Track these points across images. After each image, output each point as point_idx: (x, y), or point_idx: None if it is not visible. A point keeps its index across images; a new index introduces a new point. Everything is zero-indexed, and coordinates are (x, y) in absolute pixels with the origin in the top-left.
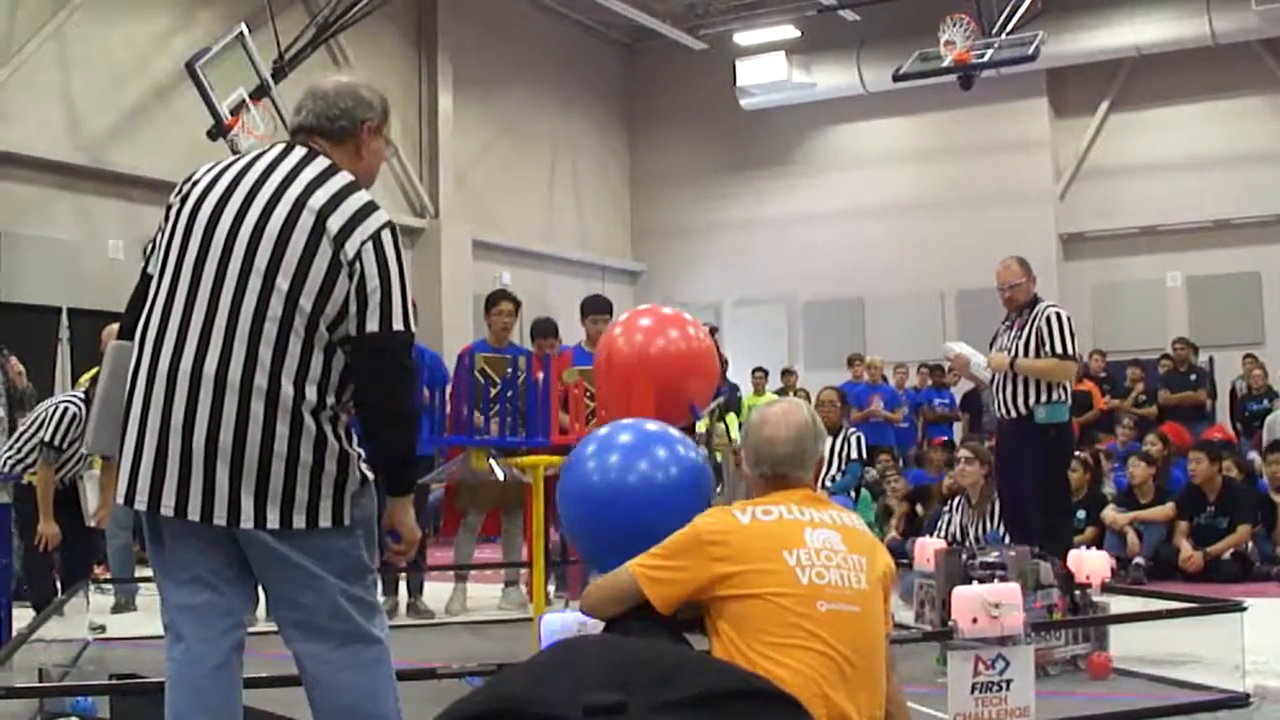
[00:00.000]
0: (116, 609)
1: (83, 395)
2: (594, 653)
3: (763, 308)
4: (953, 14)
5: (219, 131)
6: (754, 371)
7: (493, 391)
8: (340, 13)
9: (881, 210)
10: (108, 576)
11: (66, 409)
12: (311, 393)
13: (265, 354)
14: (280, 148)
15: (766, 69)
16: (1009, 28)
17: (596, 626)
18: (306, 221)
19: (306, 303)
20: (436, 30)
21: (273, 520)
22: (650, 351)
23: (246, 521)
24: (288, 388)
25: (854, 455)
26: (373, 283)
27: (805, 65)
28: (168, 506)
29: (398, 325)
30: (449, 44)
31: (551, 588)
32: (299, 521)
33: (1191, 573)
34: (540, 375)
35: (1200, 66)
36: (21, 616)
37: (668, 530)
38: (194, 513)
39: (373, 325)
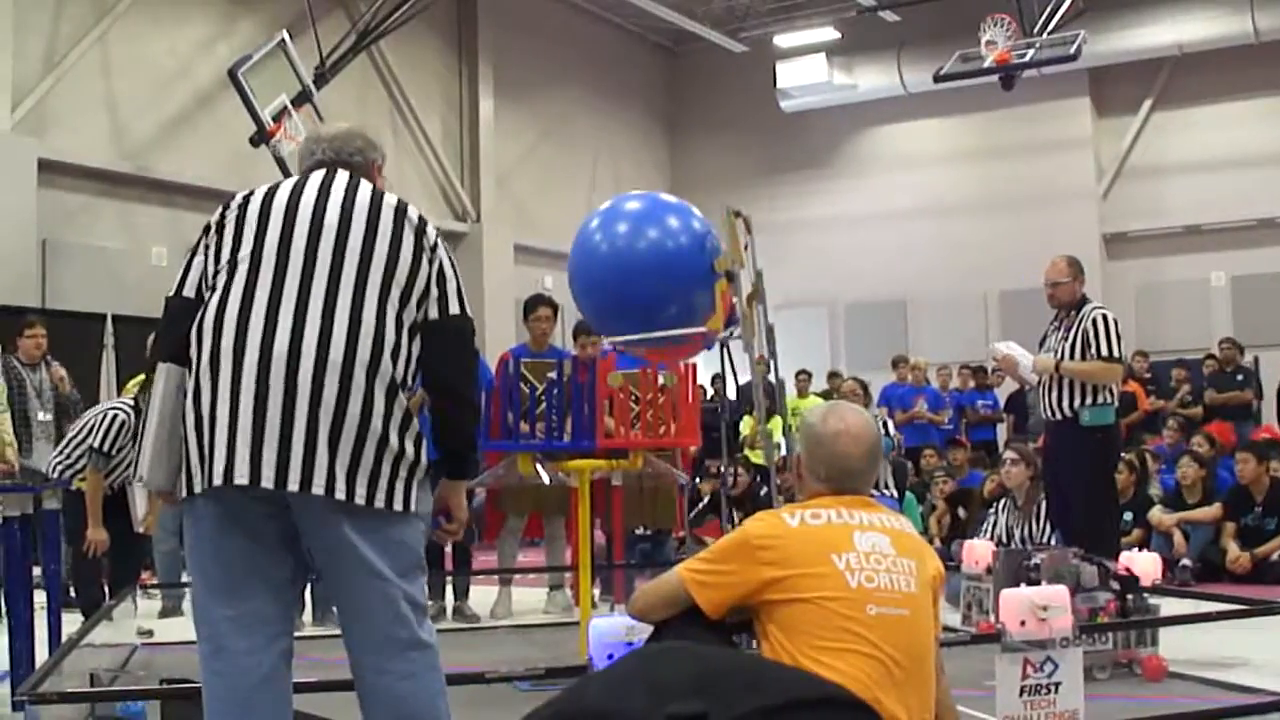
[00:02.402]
0: (163, 614)
1: (131, 402)
2: (674, 661)
3: (805, 310)
4: (993, 14)
5: (261, 138)
6: (798, 374)
7: (538, 393)
8: (381, 19)
9: (923, 211)
10: (154, 581)
11: (116, 416)
12: (402, 370)
13: (367, 328)
14: (324, 169)
15: (807, 71)
16: (1050, 27)
17: (644, 630)
18: (388, 212)
19: (400, 281)
20: (477, 35)
21: (360, 494)
22: None
23: (339, 493)
24: (387, 362)
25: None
26: (449, 270)
27: (846, 67)
28: (268, 478)
29: (469, 312)
30: (489, 48)
31: (596, 591)
32: (379, 500)
33: (1239, 574)
34: (585, 379)
35: (1243, 64)
36: (70, 621)
37: (674, 298)
38: (293, 482)
39: (454, 308)
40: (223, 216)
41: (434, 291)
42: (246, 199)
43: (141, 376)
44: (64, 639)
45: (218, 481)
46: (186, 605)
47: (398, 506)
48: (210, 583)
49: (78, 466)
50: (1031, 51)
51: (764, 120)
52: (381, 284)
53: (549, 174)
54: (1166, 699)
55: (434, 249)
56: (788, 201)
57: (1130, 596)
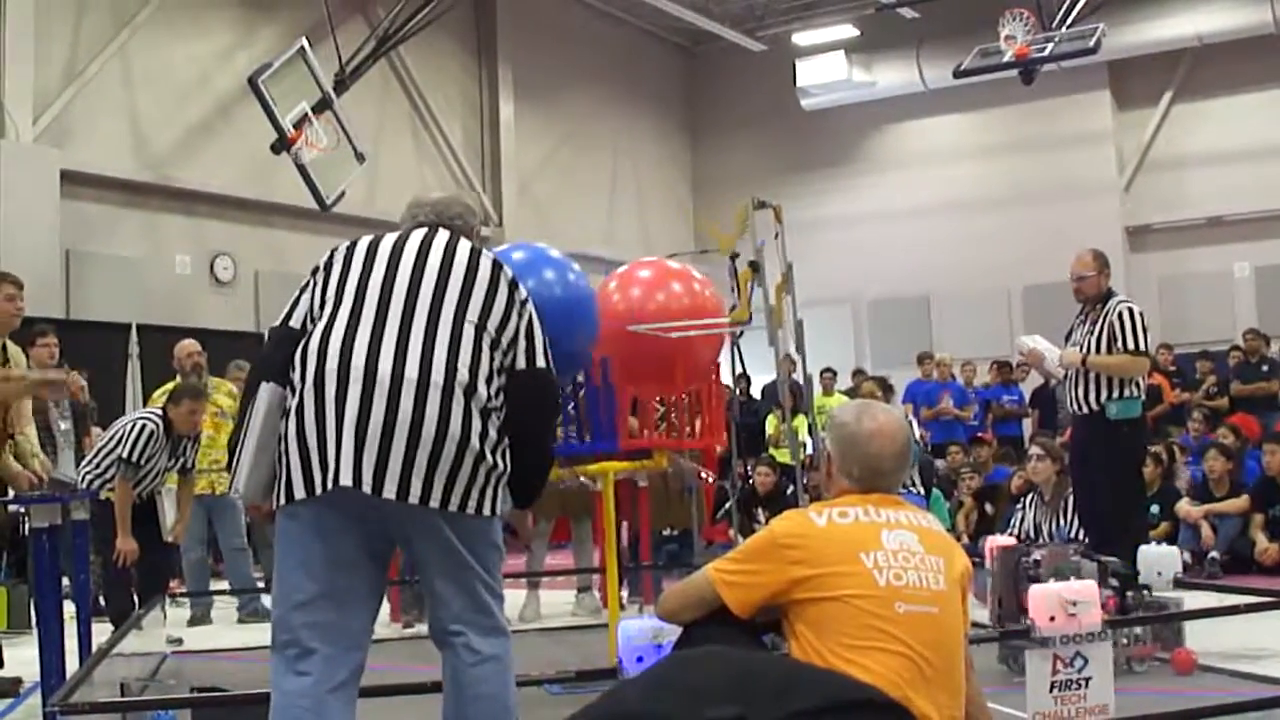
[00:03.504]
0: (193, 622)
1: (160, 412)
2: (710, 666)
3: (829, 308)
4: (1012, 9)
5: (282, 146)
6: (823, 372)
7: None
8: (400, 25)
9: (945, 207)
10: (183, 590)
11: (145, 426)
12: (496, 397)
13: (465, 357)
14: (426, 228)
15: (826, 69)
16: (1069, 21)
17: (673, 632)
18: (486, 265)
19: (494, 325)
20: (496, 39)
21: (454, 503)
22: None
23: (434, 501)
24: (483, 387)
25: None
26: (537, 327)
27: (865, 64)
28: (367, 483)
29: (553, 368)
30: (509, 52)
31: (624, 593)
32: (471, 507)
33: (1268, 565)
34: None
35: (1263, 54)
36: (100, 631)
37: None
38: (390, 490)
39: (542, 362)
40: (330, 258)
41: (522, 343)
42: (353, 244)
43: (169, 386)
44: (94, 649)
45: (330, 485)
46: (215, 613)
47: (486, 512)
48: (297, 589)
49: (107, 476)
50: (1051, 45)
51: (784, 118)
52: (478, 324)
53: (570, 177)
54: (1197, 691)
55: (524, 304)
56: (809, 199)
57: (1130, 594)
